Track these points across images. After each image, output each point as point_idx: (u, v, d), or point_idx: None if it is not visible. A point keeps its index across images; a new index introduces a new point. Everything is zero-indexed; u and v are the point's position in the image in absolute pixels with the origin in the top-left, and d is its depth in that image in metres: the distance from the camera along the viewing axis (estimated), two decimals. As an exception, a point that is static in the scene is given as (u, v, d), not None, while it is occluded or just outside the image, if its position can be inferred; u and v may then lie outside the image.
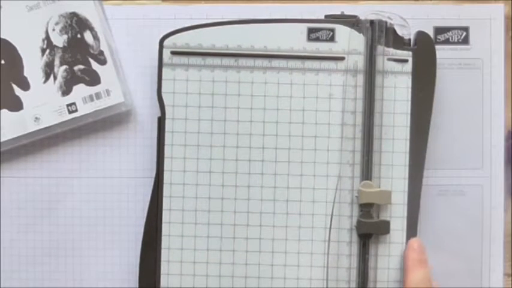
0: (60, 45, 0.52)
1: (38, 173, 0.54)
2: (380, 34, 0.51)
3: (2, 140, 0.52)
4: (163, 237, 0.51)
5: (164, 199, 0.51)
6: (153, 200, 0.52)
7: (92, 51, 0.52)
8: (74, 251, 0.55)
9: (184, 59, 0.51)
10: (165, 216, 0.51)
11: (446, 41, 0.54)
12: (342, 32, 0.51)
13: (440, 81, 0.52)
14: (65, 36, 0.52)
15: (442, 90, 0.53)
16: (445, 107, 0.54)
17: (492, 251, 0.54)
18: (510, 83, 0.54)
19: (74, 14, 0.52)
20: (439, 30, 0.54)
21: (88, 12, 0.52)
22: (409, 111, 0.51)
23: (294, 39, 0.51)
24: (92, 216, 0.55)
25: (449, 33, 0.54)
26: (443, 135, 0.54)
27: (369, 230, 0.51)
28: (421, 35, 0.52)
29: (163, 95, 0.52)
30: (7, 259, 0.54)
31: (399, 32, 0.51)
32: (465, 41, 0.54)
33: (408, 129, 0.51)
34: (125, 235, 0.55)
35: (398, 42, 0.51)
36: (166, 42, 0.51)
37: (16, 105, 0.52)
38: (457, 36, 0.54)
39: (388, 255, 0.51)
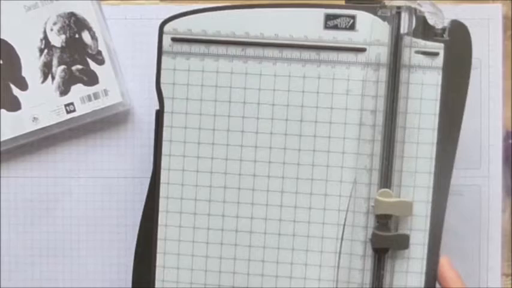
0: (58, 45, 0.53)
1: (37, 173, 0.55)
2: (408, 23, 0.46)
3: (0, 140, 0.53)
4: (158, 241, 0.48)
5: (161, 200, 0.48)
6: (148, 201, 0.48)
7: (90, 51, 0.53)
8: (72, 251, 0.55)
9: (186, 47, 0.47)
10: (161, 218, 0.48)
11: None
12: (364, 19, 0.46)
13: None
14: (63, 36, 0.53)
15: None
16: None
17: (490, 250, 0.54)
18: (508, 83, 0.54)
19: (71, 14, 0.53)
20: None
21: (86, 12, 0.53)
22: (437, 112, 0.46)
23: (309, 26, 0.46)
24: (91, 216, 0.55)
25: None
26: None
27: (385, 245, 0.46)
28: (455, 25, 0.46)
29: (162, 86, 0.47)
30: (7, 259, 0.55)
31: (430, 20, 0.46)
32: None
33: (436, 132, 0.46)
34: (123, 235, 0.55)
35: (429, 32, 0.46)
36: (166, 28, 0.47)
37: (14, 105, 0.53)
38: None
39: (406, 272, 0.47)
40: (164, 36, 0.47)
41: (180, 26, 0.47)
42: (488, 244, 0.54)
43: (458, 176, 0.54)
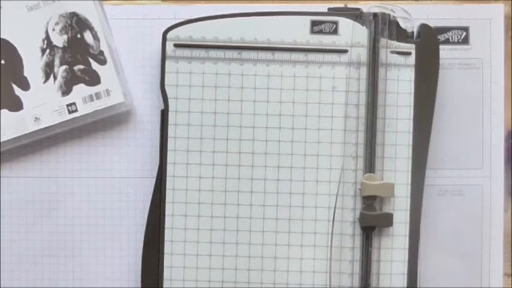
0: (60, 45, 0.52)
1: (38, 173, 0.54)
2: (383, 27, 0.51)
3: (2, 140, 0.52)
4: (166, 230, 0.51)
5: (167, 191, 0.51)
6: (155, 193, 0.52)
7: (92, 51, 0.52)
8: (74, 251, 0.54)
9: (187, 52, 0.51)
10: (168, 208, 0.51)
11: (446, 41, 0.54)
12: (345, 24, 0.51)
13: (440, 81, 0.52)
14: (65, 36, 0.52)
15: (442, 90, 0.53)
16: (445, 107, 0.54)
17: (492, 251, 0.54)
18: (510, 83, 0.54)
19: (73, 14, 0.52)
20: (439, 30, 0.53)
21: (88, 12, 0.52)
22: (412, 104, 0.51)
23: (297, 32, 0.51)
24: (92, 216, 0.54)
25: (449, 33, 0.54)
26: (443, 135, 0.54)
27: (372, 223, 0.51)
28: (424, 28, 0.52)
29: (167, 88, 0.51)
30: (7, 259, 0.54)
31: (402, 24, 0.52)
32: (465, 41, 0.54)
33: (411, 121, 0.51)
34: (124, 235, 0.54)
35: (402, 35, 0.51)
36: (169, 35, 0.51)
37: (16, 105, 0.52)
38: (457, 36, 0.54)
39: (391, 248, 0.51)
40: (167, 43, 0.51)
41: (181, 33, 0.51)
42: (490, 244, 0.54)
43: (460, 176, 0.54)
